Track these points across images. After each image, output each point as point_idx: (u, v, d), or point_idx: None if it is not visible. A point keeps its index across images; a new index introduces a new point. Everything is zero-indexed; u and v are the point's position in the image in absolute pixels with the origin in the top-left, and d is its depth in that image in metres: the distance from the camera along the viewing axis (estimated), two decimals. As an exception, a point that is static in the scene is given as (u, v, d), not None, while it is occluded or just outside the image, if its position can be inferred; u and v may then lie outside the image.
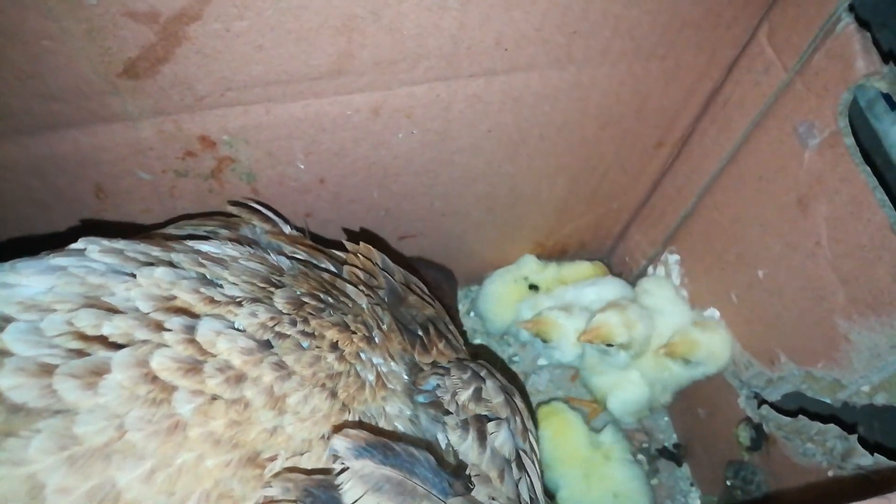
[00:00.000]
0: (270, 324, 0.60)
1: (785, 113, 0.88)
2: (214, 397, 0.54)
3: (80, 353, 0.51)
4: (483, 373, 0.76)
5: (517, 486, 0.67)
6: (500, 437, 0.68)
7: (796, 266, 0.90)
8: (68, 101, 0.73)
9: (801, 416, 0.94)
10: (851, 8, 0.76)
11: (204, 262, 0.64)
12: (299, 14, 0.70)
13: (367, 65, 0.79)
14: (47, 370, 0.49)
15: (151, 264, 0.60)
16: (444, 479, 0.58)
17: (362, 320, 0.70)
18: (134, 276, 0.58)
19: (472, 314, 1.41)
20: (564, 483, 1.13)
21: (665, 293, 1.17)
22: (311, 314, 0.65)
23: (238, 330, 0.58)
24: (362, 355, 0.66)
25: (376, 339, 0.70)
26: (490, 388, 0.73)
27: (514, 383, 0.80)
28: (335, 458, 0.55)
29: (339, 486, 0.53)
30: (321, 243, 0.82)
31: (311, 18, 0.71)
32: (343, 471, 0.54)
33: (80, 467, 0.47)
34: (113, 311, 0.54)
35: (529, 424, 0.76)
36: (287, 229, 0.82)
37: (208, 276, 0.63)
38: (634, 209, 1.28)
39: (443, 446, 0.65)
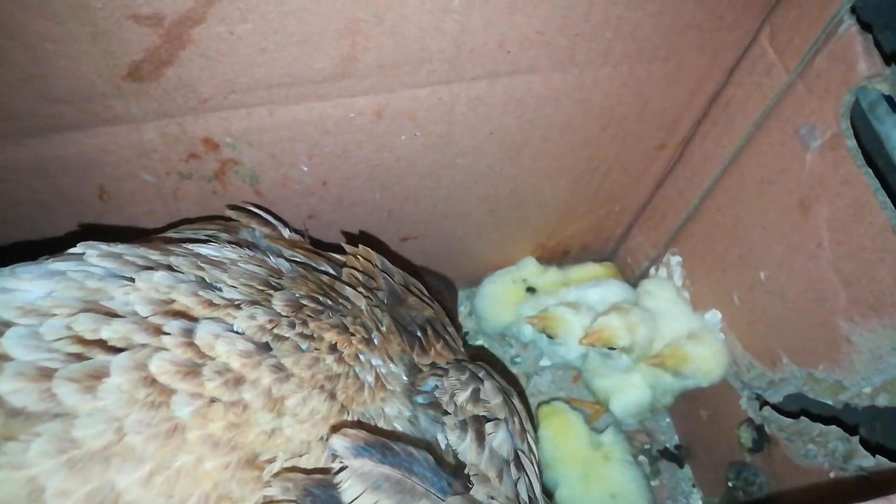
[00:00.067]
0: (269, 326, 0.61)
1: (787, 115, 0.88)
2: (213, 400, 0.54)
3: (80, 357, 0.51)
4: (481, 374, 0.76)
5: (516, 485, 0.67)
6: (499, 438, 0.68)
7: (798, 268, 0.90)
8: (72, 104, 0.73)
9: (802, 418, 0.94)
10: (853, 10, 0.76)
11: (203, 265, 0.64)
12: (302, 17, 0.71)
13: (370, 68, 0.79)
14: (46, 374, 0.49)
15: (150, 268, 0.60)
16: (442, 478, 0.58)
17: (361, 322, 0.70)
18: (132, 279, 0.58)
19: (473, 316, 1.41)
20: (564, 482, 1.13)
21: (667, 295, 1.17)
22: (309, 316, 0.65)
23: (237, 332, 0.58)
24: (361, 357, 0.67)
25: (375, 341, 0.70)
26: (488, 389, 0.73)
27: (512, 385, 0.80)
28: (334, 457, 0.55)
29: (338, 484, 0.53)
30: (323, 246, 0.83)
31: (315, 21, 0.71)
32: (342, 469, 0.54)
33: (79, 470, 0.47)
34: (112, 315, 0.54)
35: (527, 425, 0.76)
36: (286, 233, 0.83)
37: (207, 279, 0.63)
38: (636, 211, 1.28)
39: (442, 447, 0.65)
